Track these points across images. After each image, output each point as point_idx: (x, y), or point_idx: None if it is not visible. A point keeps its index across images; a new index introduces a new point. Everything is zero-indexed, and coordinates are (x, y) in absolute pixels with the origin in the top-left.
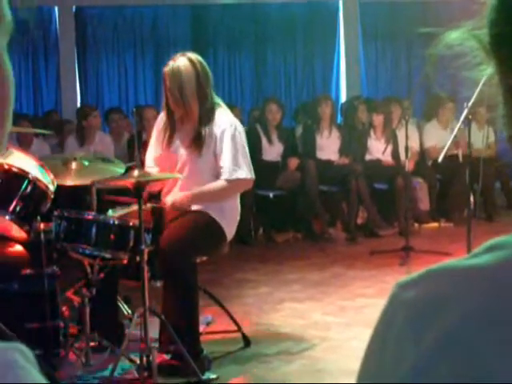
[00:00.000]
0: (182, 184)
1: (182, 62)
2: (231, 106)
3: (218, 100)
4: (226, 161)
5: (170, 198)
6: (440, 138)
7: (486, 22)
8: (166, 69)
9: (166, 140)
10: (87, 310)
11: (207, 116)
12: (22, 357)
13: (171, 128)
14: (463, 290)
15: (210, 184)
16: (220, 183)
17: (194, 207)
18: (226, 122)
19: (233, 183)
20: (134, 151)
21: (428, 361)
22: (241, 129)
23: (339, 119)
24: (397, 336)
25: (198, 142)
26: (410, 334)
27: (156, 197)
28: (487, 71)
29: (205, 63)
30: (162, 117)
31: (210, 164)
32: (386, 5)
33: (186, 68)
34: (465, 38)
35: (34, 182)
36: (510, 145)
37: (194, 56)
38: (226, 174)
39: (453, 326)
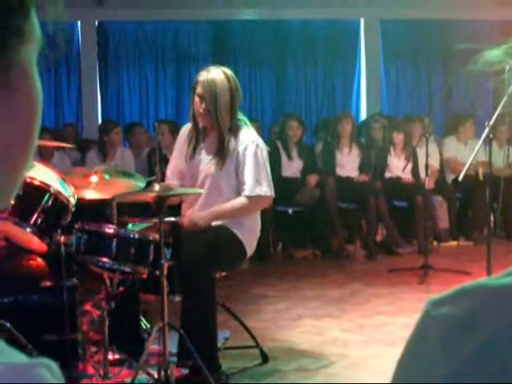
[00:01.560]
0: (203, 199)
1: (216, 73)
2: (251, 122)
3: (243, 117)
4: (247, 177)
5: (187, 219)
6: (458, 153)
7: None
8: (200, 78)
9: (189, 152)
10: (106, 323)
11: (233, 131)
12: (49, 373)
13: (196, 140)
14: (495, 307)
15: (231, 202)
16: (241, 200)
17: (215, 222)
18: (248, 139)
19: (253, 200)
20: (154, 165)
21: (458, 377)
22: (263, 146)
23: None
24: (428, 352)
25: (220, 154)
26: (441, 350)
27: (176, 210)
28: None
29: (236, 80)
30: (185, 129)
31: (230, 179)
32: (407, 23)
33: (222, 80)
34: (504, 56)
35: (56, 195)
36: None
37: (228, 70)
38: (247, 191)
39: (483, 343)
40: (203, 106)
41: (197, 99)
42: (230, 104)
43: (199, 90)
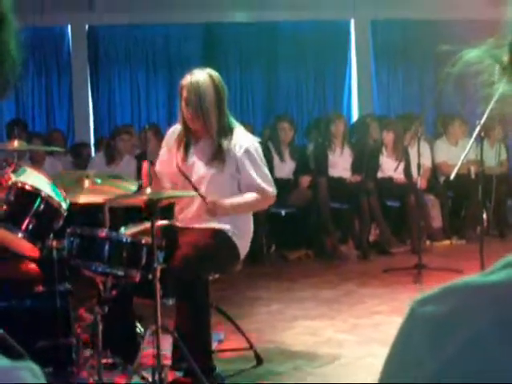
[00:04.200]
0: (200, 201)
1: (200, 74)
2: (243, 124)
3: (232, 119)
4: (255, 176)
5: (212, 202)
6: (450, 155)
7: (505, 42)
8: (184, 82)
9: (181, 155)
10: (100, 327)
11: (225, 132)
12: (31, 375)
13: (187, 142)
14: (480, 305)
15: (244, 196)
16: (253, 195)
17: (208, 225)
18: (246, 141)
19: (264, 196)
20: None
21: (444, 374)
22: (259, 147)
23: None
24: (414, 350)
25: (219, 157)
26: (426, 348)
27: (169, 213)
28: (501, 89)
29: (221, 79)
30: (173, 131)
31: (230, 181)
32: (397, 23)
33: (205, 80)
34: (483, 56)
35: (47, 200)
36: None
37: (212, 71)
38: (257, 188)
39: (468, 341)
40: (190, 110)
41: (183, 104)
42: (216, 102)
43: (185, 94)
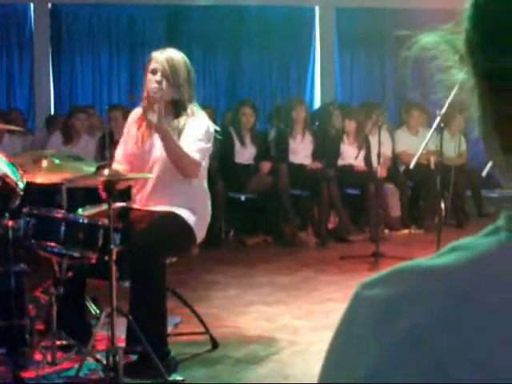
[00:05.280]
0: (153, 182)
1: (172, 51)
2: (205, 108)
3: (195, 103)
4: (190, 139)
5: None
6: (411, 144)
7: (461, 29)
8: (154, 54)
9: (139, 137)
10: (54, 308)
11: (188, 113)
12: None
13: (147, 124)
14: (428, 289)
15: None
16: (186, 150)
17: (165, 208)
18: (201, 121)
19: (191, 159)
20: (104, 150)
21: (388, 359)
22: (210, 129)
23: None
24: (359, 333)
25: (175, 136)
26: (372, 331)
27: (125, 195)
28: (459, 76)
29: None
30: (135, 113)
31: None
32: (362, 11)
33: (179, 57)
34: (439, 41)
35: (3, 179)
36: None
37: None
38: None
39: (416, 325)
40: (157, 77)
41: (149, 76)
42: (188, 80)
43: (154, 65)
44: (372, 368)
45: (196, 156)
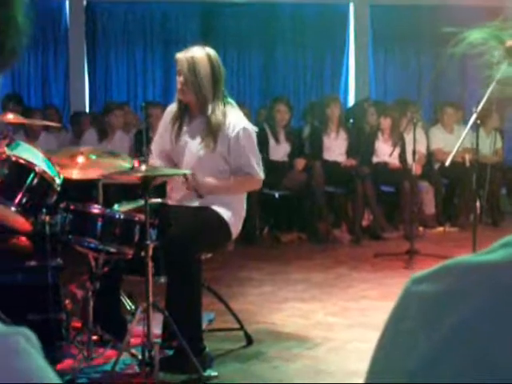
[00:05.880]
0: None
1: (197, 50)
2: (239, 105)
3: (229, 99)
4: (246, 158)
5: (192, 179)
6: (445, 142)
7: (509, 25)
8: (179, 55)
9: (174, 134)
10: (90, 303)
11: (220, 111)
12: (25, 341)
13: (181, 121)
14: (475, 284)
15: (231, 179)
16: (239, 179)
17: (201, 203)
18: (239, 123)
19: (252, 180)
20: (141, 146)
21: (438, 352)
22: (252, 130)
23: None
24: (409, 328)
25: (211, 136)
26: (422, 325)
27: (161, 191)
28: (503, 70)
29: (218, 59)
30: (171, 109)
31: (220, 161)
32: (396, 8)
33: (201, 56)
34: (487, 38)
35: (41, 175)
36: None
37: (211, 50)
38: (247, 171)
39: (463, 320)
40: (181, 79)
41: (177, 77)
42: (212, 80)
43: (178, 66)
44: (423, 360)
45: (258, 171)
